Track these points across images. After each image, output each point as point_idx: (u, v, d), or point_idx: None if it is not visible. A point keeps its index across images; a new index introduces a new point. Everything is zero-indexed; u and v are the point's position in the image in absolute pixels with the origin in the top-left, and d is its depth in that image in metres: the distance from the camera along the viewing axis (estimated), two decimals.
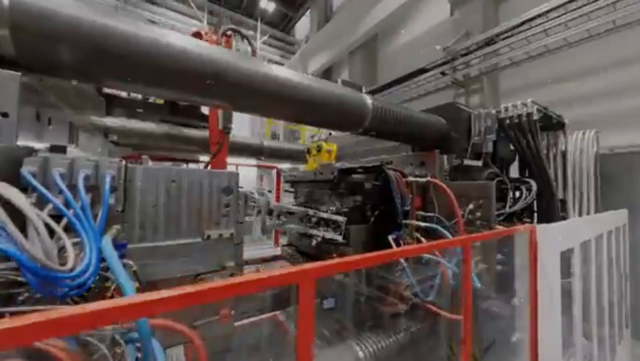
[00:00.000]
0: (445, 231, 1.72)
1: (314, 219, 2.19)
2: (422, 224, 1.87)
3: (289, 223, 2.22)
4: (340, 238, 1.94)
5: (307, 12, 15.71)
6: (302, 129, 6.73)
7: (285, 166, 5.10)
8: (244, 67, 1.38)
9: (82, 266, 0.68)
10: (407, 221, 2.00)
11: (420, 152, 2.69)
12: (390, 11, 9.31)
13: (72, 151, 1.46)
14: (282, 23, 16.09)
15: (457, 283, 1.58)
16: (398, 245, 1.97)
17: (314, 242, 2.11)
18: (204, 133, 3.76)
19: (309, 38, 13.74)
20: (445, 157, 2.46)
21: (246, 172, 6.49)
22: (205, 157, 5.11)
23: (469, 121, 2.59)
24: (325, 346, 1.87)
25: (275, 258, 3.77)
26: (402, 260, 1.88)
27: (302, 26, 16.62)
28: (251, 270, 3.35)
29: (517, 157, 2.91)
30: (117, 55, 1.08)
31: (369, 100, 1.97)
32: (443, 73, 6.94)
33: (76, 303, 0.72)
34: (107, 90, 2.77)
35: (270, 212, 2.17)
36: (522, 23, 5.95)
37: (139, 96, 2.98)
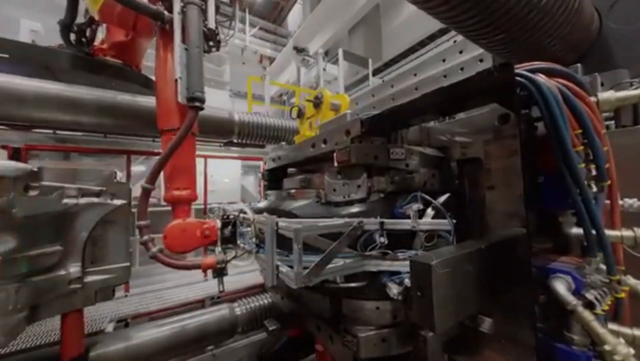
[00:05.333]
0: None
1: (381, 239, 0.88)
2: None
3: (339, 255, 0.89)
4: None
5: (299, 0, 14.54)
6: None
7: None
8: None
9: None
10: (616, 233, 0.61)
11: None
12: None
13: None
14: (274, 14, 14.97)
15: None
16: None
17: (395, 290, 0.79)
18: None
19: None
20: (598, 79, 1.06)
21: (223, 168, 4.97)
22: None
23: None
24: None
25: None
26: None
27: (295, 18, 15.46)
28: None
29: None
30: None
31: None
32: None
33: None
34: None
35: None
36: None
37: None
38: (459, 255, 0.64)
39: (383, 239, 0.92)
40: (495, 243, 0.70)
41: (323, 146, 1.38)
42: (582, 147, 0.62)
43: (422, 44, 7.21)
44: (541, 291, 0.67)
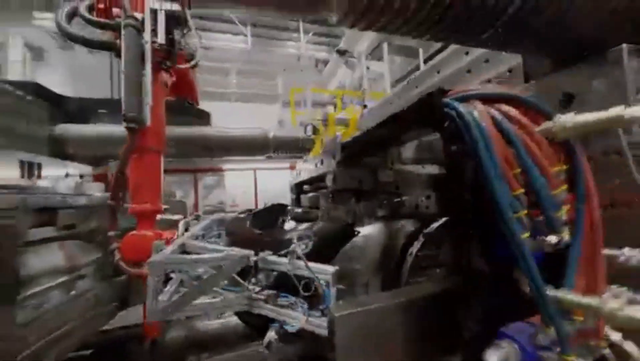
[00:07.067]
0: None
1: (252, 280, 0.88)
2: None
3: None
4: None
5: None
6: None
7: None
8: None
9: None
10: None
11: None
12: None
13: None
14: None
15: None
16: None
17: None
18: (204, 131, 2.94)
19: None
20: None
21: (273, 177, 5.40)
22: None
23: None
24: None
25: None
26: None
27: None
28: None
29: None
30: None
31: None
32: None
33: None
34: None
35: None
36: None
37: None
38: (379, 307, 0.59)
39: (254, 280, 0.86)
40: (431, 294, 0.61)
41: (320, 166, 1.41)
42: (521, 191, 0.49)
43: None
44: None
